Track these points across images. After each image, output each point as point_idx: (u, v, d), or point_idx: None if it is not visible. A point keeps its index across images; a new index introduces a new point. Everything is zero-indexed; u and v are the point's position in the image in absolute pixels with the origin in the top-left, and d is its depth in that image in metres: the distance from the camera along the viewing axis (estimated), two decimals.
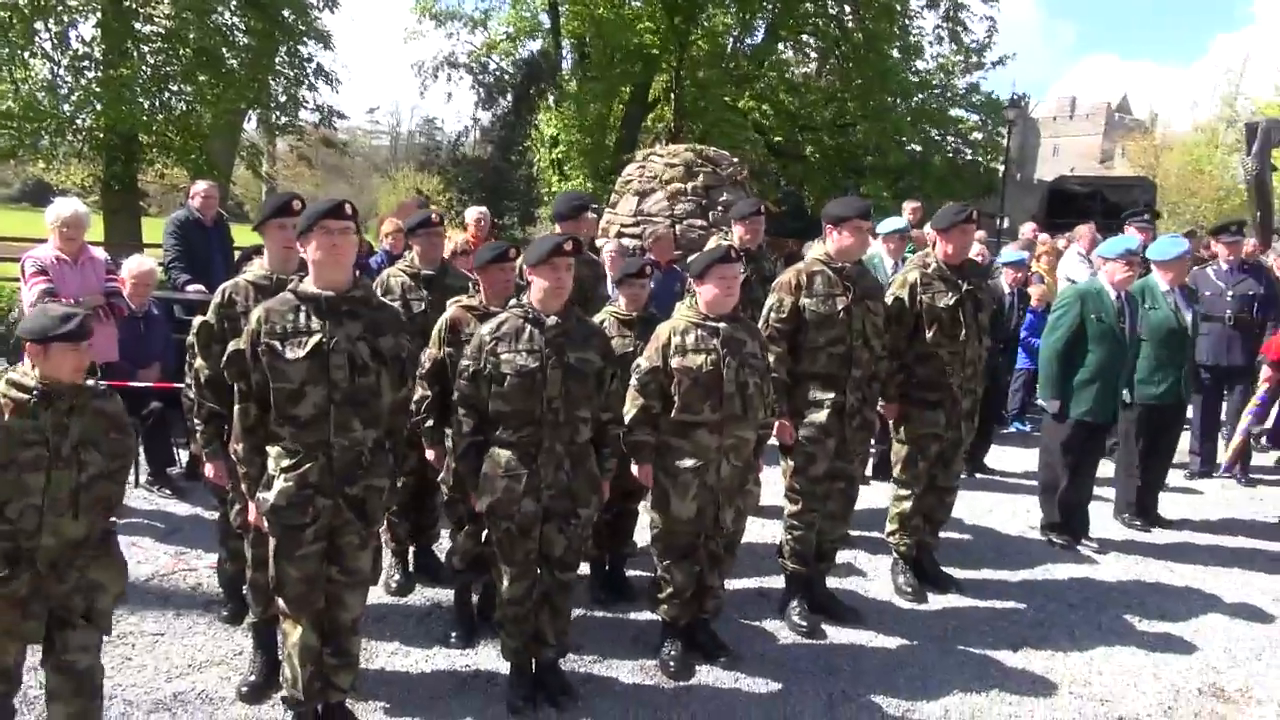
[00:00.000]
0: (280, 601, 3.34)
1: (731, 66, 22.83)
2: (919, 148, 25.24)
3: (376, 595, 4.64)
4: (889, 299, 4.82)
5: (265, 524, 3.28)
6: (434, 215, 4.82)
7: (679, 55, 21.19)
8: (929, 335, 4.78)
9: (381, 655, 4.12)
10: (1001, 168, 27.64)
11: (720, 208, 9.87)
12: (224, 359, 3.32)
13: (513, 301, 3.84)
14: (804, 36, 24.94)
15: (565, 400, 3.60)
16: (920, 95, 25.60)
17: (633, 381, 4.00)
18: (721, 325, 3.96)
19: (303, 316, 3.21)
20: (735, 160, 10.73)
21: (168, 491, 5.76)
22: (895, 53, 24.37)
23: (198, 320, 3.86)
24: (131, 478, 5.85)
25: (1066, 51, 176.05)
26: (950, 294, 4.79)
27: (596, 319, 4.52)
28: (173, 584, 4.70)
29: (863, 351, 4.51)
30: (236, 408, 3.30)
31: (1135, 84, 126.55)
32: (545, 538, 3.70)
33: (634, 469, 4.07)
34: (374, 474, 3.33)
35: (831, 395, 4.47)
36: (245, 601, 4.14)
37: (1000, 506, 6.33)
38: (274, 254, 3.79)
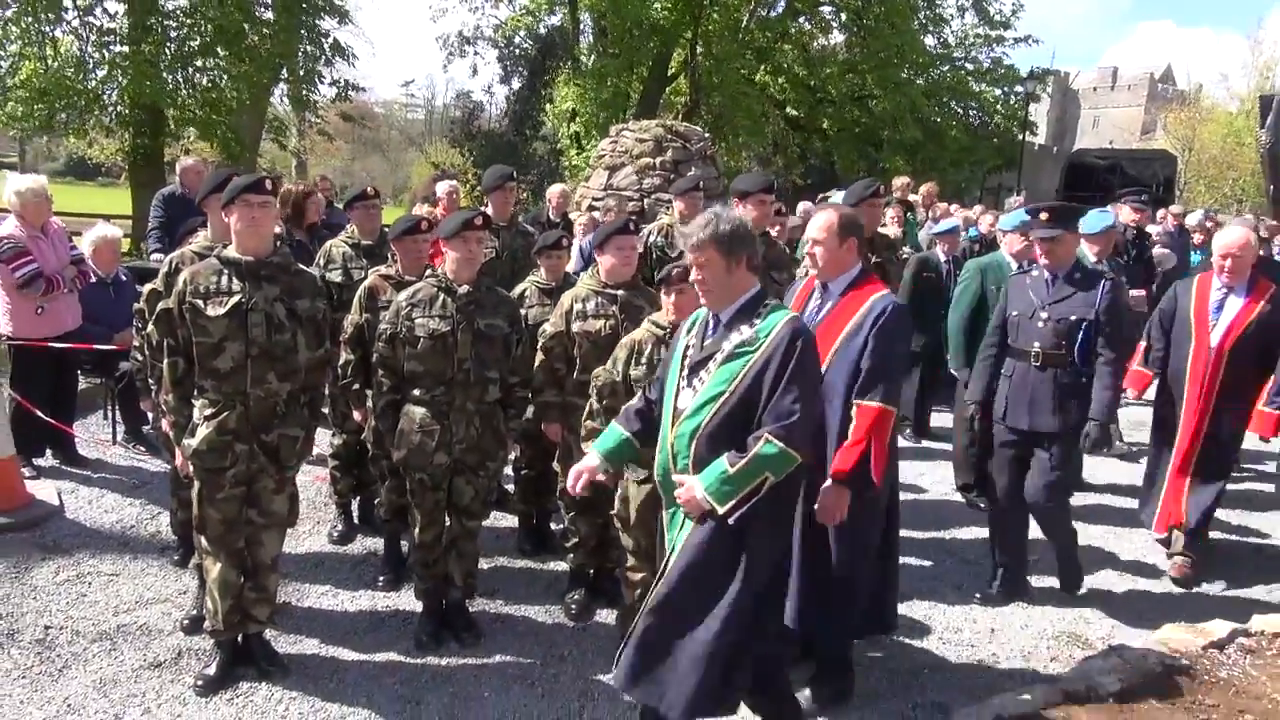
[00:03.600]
0: (202, 540, 3.71)
1: (747, 40, 22.85)
2: (939, 119, 25.13)
3: (319, 543, 5.06)
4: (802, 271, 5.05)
5: (190, 468, 3.65)
6: (369, 190, 5.15)
7: (694, 29, 21.27)
8: None
9: (312, 596, 4.48)
10: (1029, 137, 27.43)
11: None
12: (154, 317, 3.68)
13: (429, 271, 4.17)
14: (822, 9, 24.85)
15: (475, 362, 3.93)
16: (943, 67, 25.51)
17: (539, 345, 4.31)
18: (620, 293, 4.25)
19: (224, 279, 3.56)
20: (706, 136, 10.94)
21: (142, 449, 6.17)
22: (916, 24, 24.25)
23: (147, 287, 4.24)
24: (108, 435, 6.32)
25: (1122, 16, 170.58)
26: None
27: (520, 288, 4.84)
28: (135, 531, 5.11)
29: None
30: (165, 362, 3.66)
31: (1190, 52, 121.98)
32: (455, 488, 4.04)
33: (543, 427, 4.39)
34: (288, 424, 3.69)
35: None
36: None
37: (934, 470, 6.54)
38: (215, 226, 4.14)
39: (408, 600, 4.44)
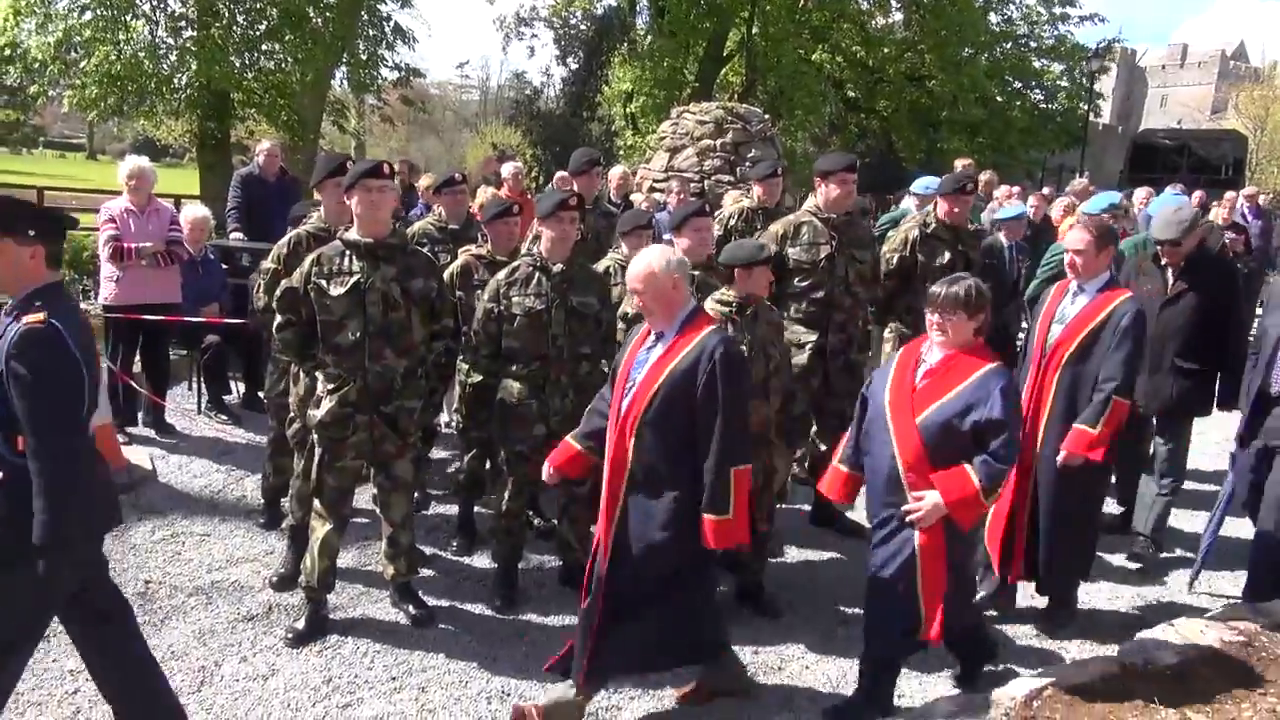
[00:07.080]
0: (316, 503, 3.96)
1: (804, 19, 22.64)
2: (1000, 97, 24.72)
3: None
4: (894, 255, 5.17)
5: (315, 436, 3.89)
6: (456, 175, 5.36)
7: (751, 8, 21.13)
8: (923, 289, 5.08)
9: None
10: (1093, 117, 26.83)
11: (748, 163, 10.14)
12: (277, 294, 3.91)
13: (524, 250, 4.36)
14: None
15: (568, 338, 4.13)
16: (1004, 45, 25.07)
17: (619, 324, 4.45)
18: (697, 273, 4.37)
19: (346, 260, 3.78)
20: (766, 117, 10.96)
21: (224, 418, 6.46)
22: (978, 2, 23.84)
23: (265, 264, 4.44)
24: (193, 405, 6.62)
25: None
26: (945, 252, 5.09)
27: (603, 265, 4.97)
28: (223, 495, 5.39)
29: (844, 297, 4.87)
30: (287, 333, 3.88)
31: (1267, 28, 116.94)
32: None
33: None
34: (406, 396, 3.91)
35: (814, 338, 4.85)
36: (281, 511, 4.79)
37: None
38: (329, 209, 4.36)
39: (481, 563, 4.67)
